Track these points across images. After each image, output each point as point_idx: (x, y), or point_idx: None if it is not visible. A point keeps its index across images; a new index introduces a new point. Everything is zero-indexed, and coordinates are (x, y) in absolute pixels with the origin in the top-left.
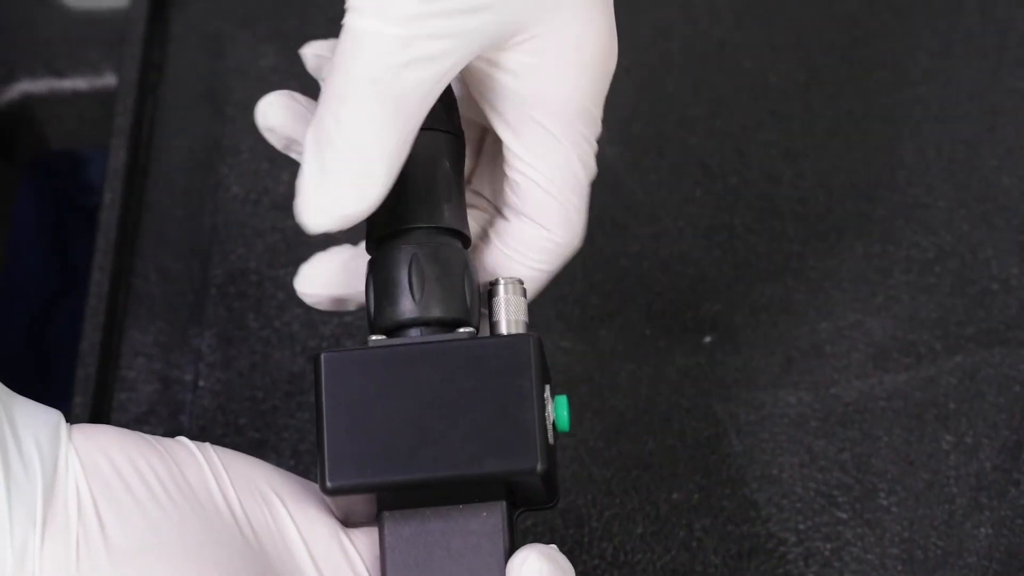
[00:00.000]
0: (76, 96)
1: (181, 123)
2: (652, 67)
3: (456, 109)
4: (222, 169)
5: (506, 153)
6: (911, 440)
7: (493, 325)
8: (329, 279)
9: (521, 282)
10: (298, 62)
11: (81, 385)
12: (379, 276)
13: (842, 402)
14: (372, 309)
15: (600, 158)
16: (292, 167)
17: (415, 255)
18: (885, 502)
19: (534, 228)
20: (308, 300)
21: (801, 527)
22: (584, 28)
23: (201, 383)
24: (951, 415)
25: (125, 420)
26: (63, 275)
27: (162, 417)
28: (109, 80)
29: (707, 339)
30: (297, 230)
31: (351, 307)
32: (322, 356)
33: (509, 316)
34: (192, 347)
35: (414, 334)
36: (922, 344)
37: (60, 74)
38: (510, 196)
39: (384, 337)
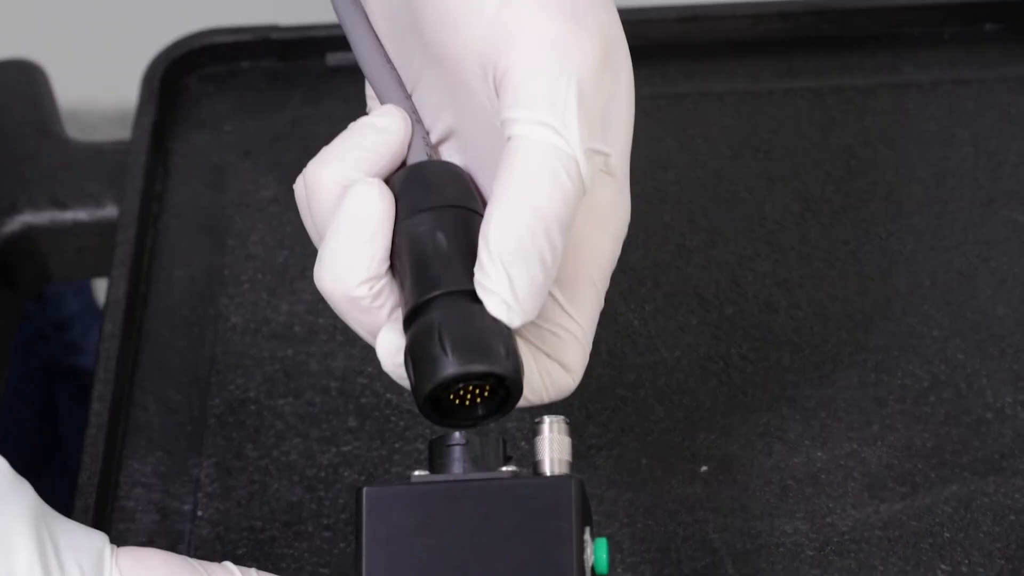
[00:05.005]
0: (78, 227)
1: (182, 254)
2: (649, 198)
3: (478, 191)
4: (222, 300)
5: (548, 301)
6: (907, 569)
7: (536, 464)
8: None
9: (567, 421)
10: None
11: (80, 515)
12: (411, 348)
13: (838, 531)
14: (413, 382)
15: None
16: (291, 297)
17: (442, 318)
18: None
19: (561, 371)
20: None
21: None
22: (628, 185)
23: (199, 513)
24: (947, 544)
25: None
26: (51, 438)
27: (160, 548)
28: (110, 211)
29: (703, 468)
30: (296, 360)
31: None
32: (364, 491)
33: (553, 455)
34: (191, 477)
35: (457, 469)
36: (917, 473)
37: (62, 206)
38: (547, 339)
39: (427, 473)
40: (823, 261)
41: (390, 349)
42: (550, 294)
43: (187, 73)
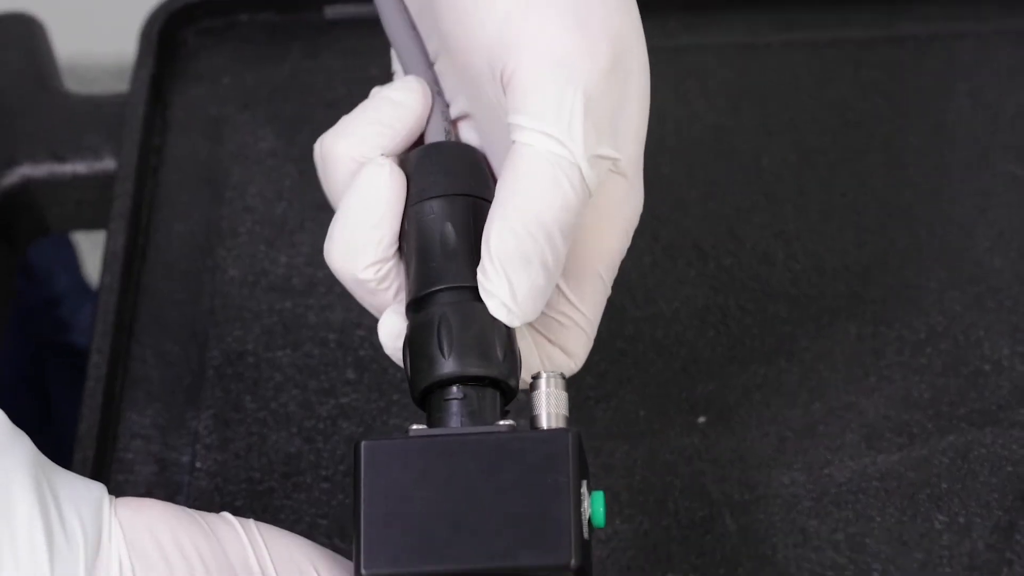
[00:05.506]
0: (76, 180)
1: (180, 207)
2: (647, 150)
3: (491, 176)
4: (220, 252)
5: (555, 294)
6: (904, 520)
7: (534, 419)
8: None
9: (563, 376)
10: (295, 145)
11: (79, 467)
12: (410, 340)
13: (835, 482)
14: (409, 375)
15: None
16: (289, 250)
17: (443, 315)
18: None
19: (563, 356)
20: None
21: None
22: (641, 180)
23: (198, 464)
24: (944, 495)
25: None
26: (42, 416)
27: (159, 499)
28: (108, 164)
29: (701, 419)
30: (294, 312)
31: None
32: (362, 444)
33: (550, 410)
34: (189, 429)
35: (454, 424)
36: (915, 424)
37: (60, 158)
38: (551, 327)
39: (424, 427)
40: (820, 213)
41: (392, 332)
42: (556, 285)
43: (185, 26)
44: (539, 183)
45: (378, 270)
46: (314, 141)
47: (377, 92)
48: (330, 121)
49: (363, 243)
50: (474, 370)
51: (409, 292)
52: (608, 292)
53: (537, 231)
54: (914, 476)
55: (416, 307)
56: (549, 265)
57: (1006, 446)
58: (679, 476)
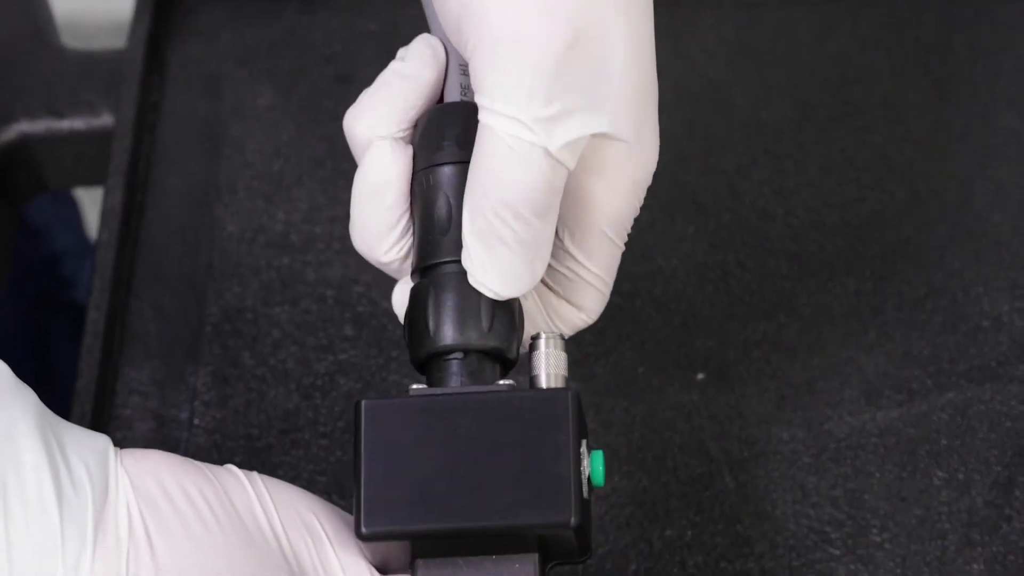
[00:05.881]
0: (73, 136)
1: (178, 162)
2: None
3: None
4: (218, 208)
5: (560, 250)
6: (903, 476)
7: (533, 379)
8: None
9: (563, 336)
10: (293, 101)
11: (77, 423)
12: (409, 311)
13: (835, 438)
14: (408, 346)
15: None
16: (287, 206)
17: (434, 288)
18: (878, 538)
19: (574, 310)
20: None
21: (794, 563)
22: (651, 141)
23: (196, 421)
24: (943, 451)
25: None
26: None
27: None
28: (106, 120)
29: (700, 376)
30: (292, 268)
31: None
32: (363, 403)
33: (549, 370)
34: (187, 385)
35: (454, 383)
36: (914, 381)
37: (58, 114)
38: (561, 283)
39: (425, 386)
40: (820, 169)
41: (402, 301)
42: (561, 244)
43: None
44: (501, 166)
45: (399, 250)
46: (312, 97)
47: (390, 67)
48: (328, 76)
49: (378, 229)
50: (465, 342)
51: (412, 262)
52: (620, 249)
53: (505, 212)
54: (913, 432)
55: (418, 277)
56: (527, 242)
57: (1005, 402)
58: (678, 433)
